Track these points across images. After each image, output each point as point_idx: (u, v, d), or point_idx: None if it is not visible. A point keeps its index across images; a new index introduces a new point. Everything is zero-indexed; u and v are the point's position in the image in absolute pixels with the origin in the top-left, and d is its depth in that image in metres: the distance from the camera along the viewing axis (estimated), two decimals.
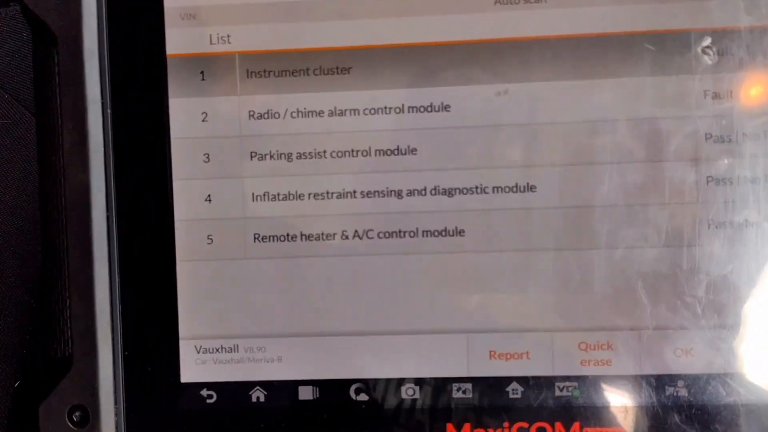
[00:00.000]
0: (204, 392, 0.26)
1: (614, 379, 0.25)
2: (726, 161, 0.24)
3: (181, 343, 0.26)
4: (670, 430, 0.24)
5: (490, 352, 0.25)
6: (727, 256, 0.24)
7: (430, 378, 0.25)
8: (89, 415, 0.25)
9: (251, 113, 0.25)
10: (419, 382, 0.25)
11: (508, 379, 0.25)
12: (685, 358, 0.25)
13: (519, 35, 0.25)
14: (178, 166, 0.25)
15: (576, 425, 0.25)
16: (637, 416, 0.25)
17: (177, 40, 0.25)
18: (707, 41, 0.24)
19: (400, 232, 0.25)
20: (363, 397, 0.25)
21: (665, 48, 0.24)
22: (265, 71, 0.25)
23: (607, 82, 0.24)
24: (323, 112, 0.25)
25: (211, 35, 0.25)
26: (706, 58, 0.24)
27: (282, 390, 0.26)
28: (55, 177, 0.25)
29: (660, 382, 0.25)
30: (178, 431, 0.26)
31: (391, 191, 0.25)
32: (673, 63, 0.24)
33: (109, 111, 0.25)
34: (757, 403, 0.24)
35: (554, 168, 0.25)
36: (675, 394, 0.24)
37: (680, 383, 0.25)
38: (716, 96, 0.24)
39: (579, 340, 0.25)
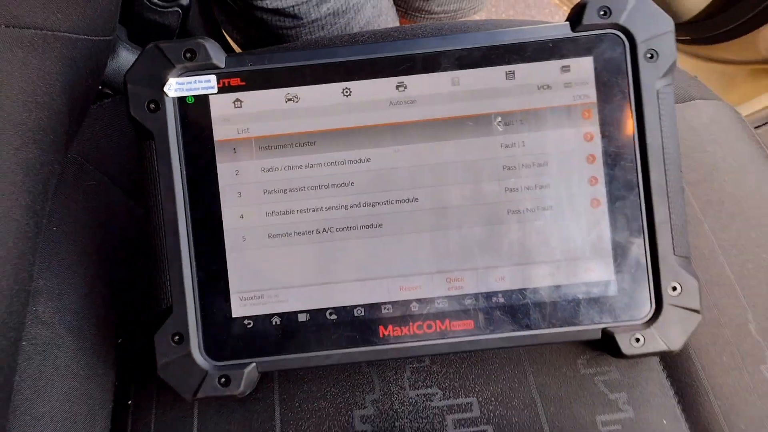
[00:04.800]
0: (246, 321, 0.47)
1: (465, 296, 0.47)
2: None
3: (231, 296, 0.47)
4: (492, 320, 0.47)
5: (400, 287, 0.48)
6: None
7: (369, 303, 0.47)
8: (183, 338, 0.46)
9: (263, 168, 0.47)
10: (365, 305, 0.47)
11: (410, 300, 0.47)
12: (502, 282, 0.47)
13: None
14: (225, 199, 0.47)
15: (447, 321, 0.47)
16: (477, 313, 0.47)
17: (220, 132, 0.47)
18: None
19: (347, 227, 0.47)
20: (333, 317, 0.47)
21: None
22: (269, 146, 0.47)
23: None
24: (301, 166, 0.47)
25: (238, 129, 0.47)
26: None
27: (289, 317, 0.47)
28: (158, 209, 0.46)
29: (486, 295, 0.47)
30: (232, 340, 0.47)
31: (340, 206, 0.47)
32: None
33: (185, 172, 0.47)
34: (543, 301, 0.47)
35: (429, 188, 0.47)
36: (497, 301, 0.47)
37: (500, 296, 0.47)
38: None
39: (446, 276, 0.47)
